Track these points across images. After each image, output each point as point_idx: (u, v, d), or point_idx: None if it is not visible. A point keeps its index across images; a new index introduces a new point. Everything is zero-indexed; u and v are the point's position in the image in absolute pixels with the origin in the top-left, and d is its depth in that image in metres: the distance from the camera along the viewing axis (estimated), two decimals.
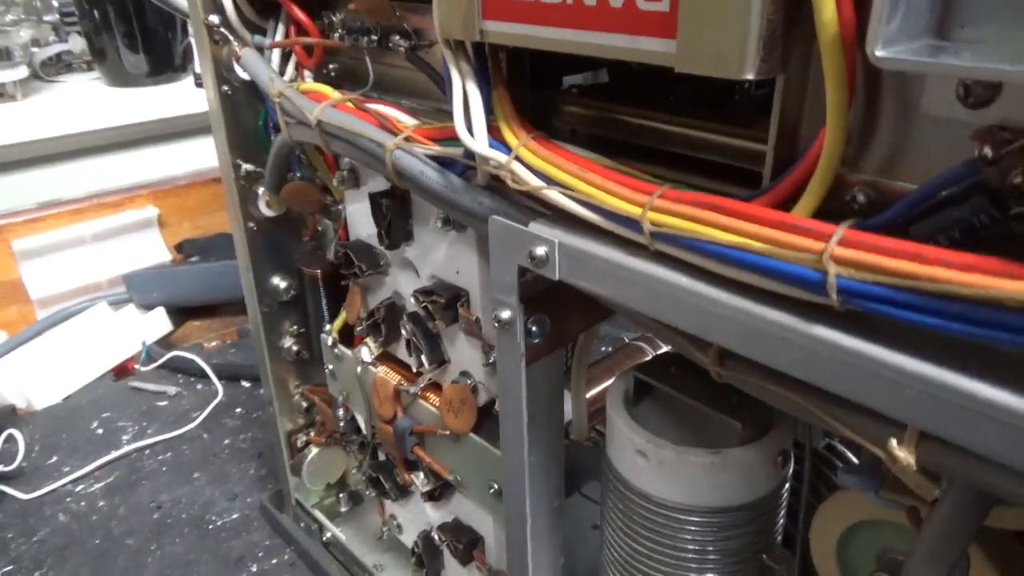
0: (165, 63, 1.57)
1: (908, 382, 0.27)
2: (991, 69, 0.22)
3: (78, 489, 1.00)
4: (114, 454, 1.05)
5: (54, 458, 1.06)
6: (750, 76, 0.29)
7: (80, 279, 1.43)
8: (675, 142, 0.42)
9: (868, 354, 0.27)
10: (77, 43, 1.66)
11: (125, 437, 1.10)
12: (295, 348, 0.78)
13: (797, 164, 0.31)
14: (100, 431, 1.12)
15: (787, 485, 0.47)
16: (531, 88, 0.48)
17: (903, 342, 0.27)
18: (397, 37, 0.54)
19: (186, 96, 1.55)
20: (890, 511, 0.38)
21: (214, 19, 0.62)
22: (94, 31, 1.52)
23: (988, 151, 0.25)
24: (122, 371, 1.27)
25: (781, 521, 0.48)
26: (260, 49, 0.61)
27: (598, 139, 0.46)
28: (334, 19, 0.61)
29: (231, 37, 0.62)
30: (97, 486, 1.01)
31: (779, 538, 0.48)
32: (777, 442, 0.43)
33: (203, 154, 1.59)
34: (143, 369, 1.27)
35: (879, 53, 0.25)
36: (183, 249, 1.54)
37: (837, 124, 0.29)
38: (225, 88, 0.66)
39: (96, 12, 1.49)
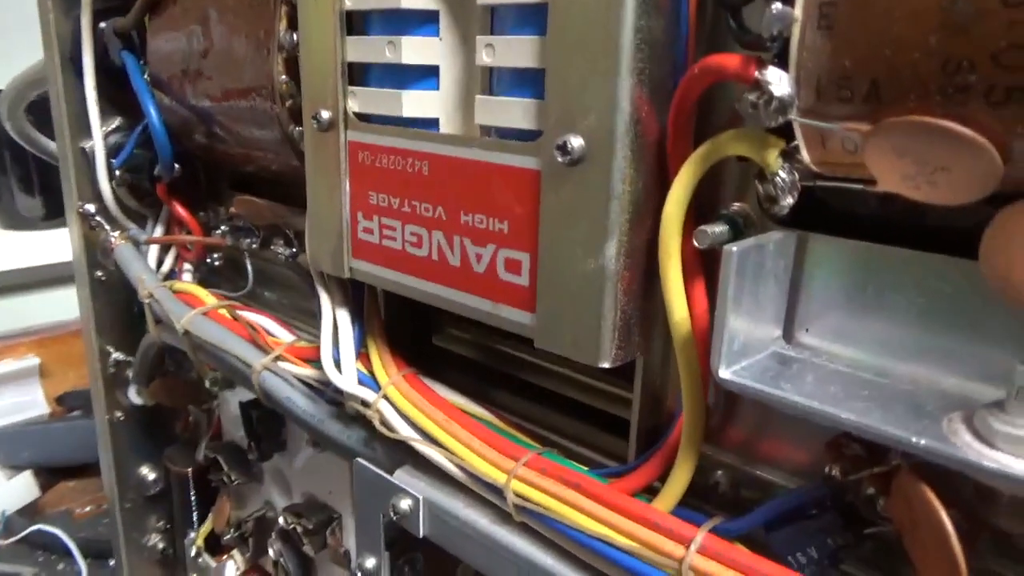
0: (62, 206, 1.52)
1: None
2: (816, 410, 0.22)
3: None
4: None
5: None
6: (606, 365, 0.28)
7: None
8: (549, 377, 0.40)
9: None
10: None
11: None
12: (160, 546, 0.71)
13: (659, 447, 0.30)
14: None
15: None
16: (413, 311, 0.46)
17: None
18: (280, 242, 0.52)
19: None
20: None
21: (90, 208, 0.59)
22: None
23: (836, 472, 0.25)
24: None
25: None
26: (136, 242, 0.58)
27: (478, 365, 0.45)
28: (220, 211, 0.60)
29: (107, 226, 0.59)
30: None
31: None
32: None
33: None
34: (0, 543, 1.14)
35: (723, 375, 0.24)
36: (65, 402, 1.43)
37: (694, 421, 0.28)
38: (99, 273, 0.63)
39: None
